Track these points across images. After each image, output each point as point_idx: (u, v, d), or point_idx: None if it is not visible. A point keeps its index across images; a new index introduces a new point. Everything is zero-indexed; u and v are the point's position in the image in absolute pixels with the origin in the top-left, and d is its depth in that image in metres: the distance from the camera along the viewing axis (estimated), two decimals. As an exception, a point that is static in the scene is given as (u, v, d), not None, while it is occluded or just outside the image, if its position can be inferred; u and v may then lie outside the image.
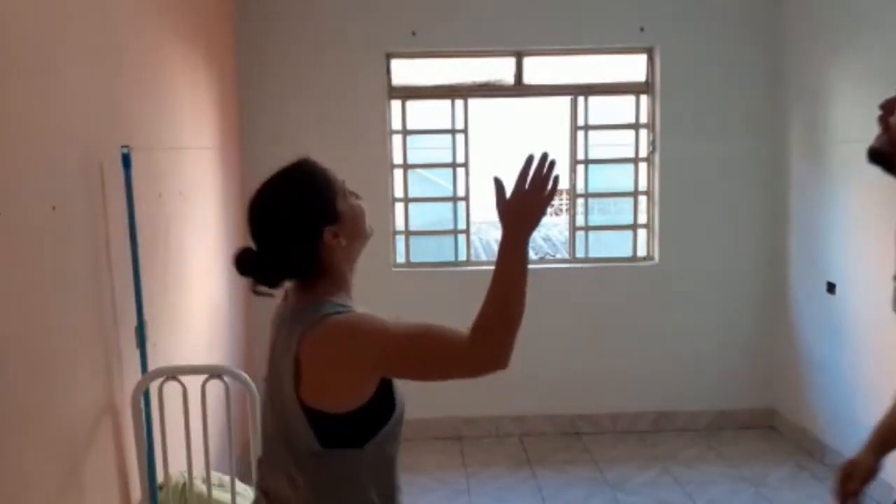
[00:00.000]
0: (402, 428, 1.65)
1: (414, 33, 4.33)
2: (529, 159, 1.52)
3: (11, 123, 1.80)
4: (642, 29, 4.39)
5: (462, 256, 4.60)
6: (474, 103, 4.55)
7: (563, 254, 4.95)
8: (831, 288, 3.99)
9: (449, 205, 4.62)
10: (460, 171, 4.55)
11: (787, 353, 4.48)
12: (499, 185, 1.51)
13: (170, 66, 3.08)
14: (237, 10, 4.25)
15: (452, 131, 4.54)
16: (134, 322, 2.46)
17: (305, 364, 1.48)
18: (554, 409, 4.49)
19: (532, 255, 4.60)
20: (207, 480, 2.52)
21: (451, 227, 4.63)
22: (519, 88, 4.53)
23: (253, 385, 2.45)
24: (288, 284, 1.63)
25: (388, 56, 4.43)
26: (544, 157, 1.51)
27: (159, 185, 2.85)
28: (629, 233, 4.64)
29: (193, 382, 2.44)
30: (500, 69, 4.53)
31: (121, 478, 2.36)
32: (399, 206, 4.58)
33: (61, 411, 2.01)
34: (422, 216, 4.72)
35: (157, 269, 2.74)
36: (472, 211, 4.63)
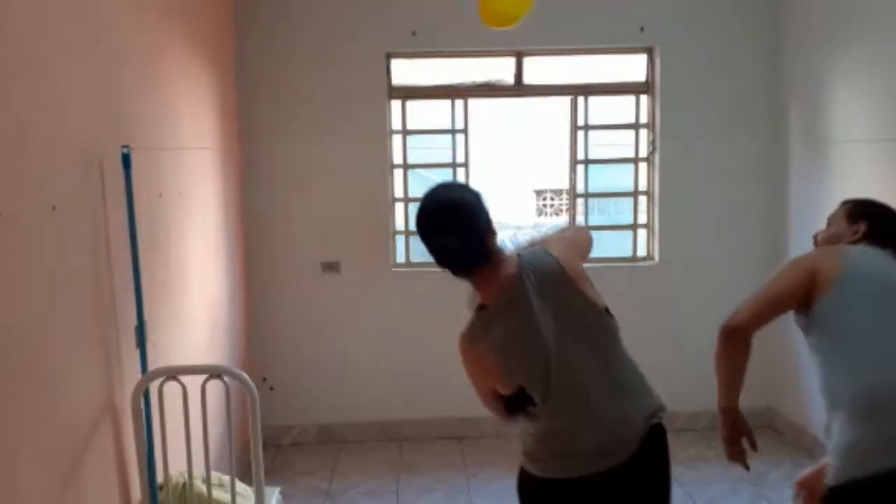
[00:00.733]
0: None
1: (414, 33, 4.33)
2: None
3: (11, 123, 1.80)
4: (642, 29, 4.39)
5: (462, 256, 4.60)
6: (474, 103, 4.55)
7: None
8: (831, 288, 3.99)
9: (449, 205, 4.61)
10: (460, 171, 4.55)
11: (786, 353, 4.47)
12: None
13: (170, 66, 3.08)
14: (237, 11, 4.25)
15: (452, 131, 4.54)
16: (134, 322, 2.46)
17: (570, 273, 1.94)
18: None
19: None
20: (207, 480, 2.52)
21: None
22: (519, 88, 4.53)
23: (253, 385, 2.45)
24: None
25: (388, 56, 4.42)
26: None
27: (159, 185, 2.85)
28: (629, 233, 4.64)
29: (193, 382, 2.44)
30: (500, 69, 4.53)
31: (120, 478, 2.36)
32: (399, 206, 4.58)
33: (61, 411, 2.01)
34: (422, 216, 4.71)
35: (157, 269, 2.74)
36: (472, 211, 4.63)
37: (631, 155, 4.60)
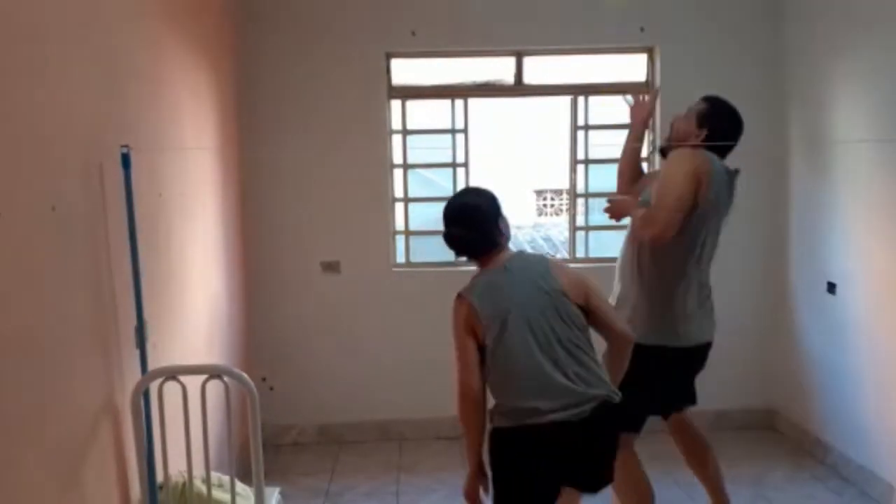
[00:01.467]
0: None
1: (414, 33, 4.33)
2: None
3: (11, 123, 1.80)
4: (642, 29, 4.39)
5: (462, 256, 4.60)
6: (474, 103, 4.55)
7: (563, 254, 4.95)
8: (831, 288, 3.99)
9: (449, 205, 4.61)
10: (460, 171, 4.55)
11: (787, 353, 4.47)
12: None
13: (170, 66, 3.08)
14: (237, 11, 4.25)
15: (452, 131, 4.54)
16: (134, 322, 2.46)
17: (561, 275, 2.44)
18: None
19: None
20: (207, 480, 2.52)
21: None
22: (519, 88, 4.53)
23: (252, 385, 2.45)
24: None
25: (388, 56, 4.43)
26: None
27: (159, 185, 2.85)
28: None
29: (193, 382, 2.44)
30: (500, 69, 4.53)
31: (120, 478, 2.36)
32: (399, 206, 4.58)
33: (61, 411, 2.01)
34: (422, 216, 4.71)
35: (157, 269, 2.74)
36: (472, 211, 4.63)
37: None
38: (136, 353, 2.48)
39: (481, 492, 2.43)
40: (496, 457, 2.37)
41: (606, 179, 4.52)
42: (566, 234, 4.83)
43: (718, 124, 3.11)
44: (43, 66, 1.97)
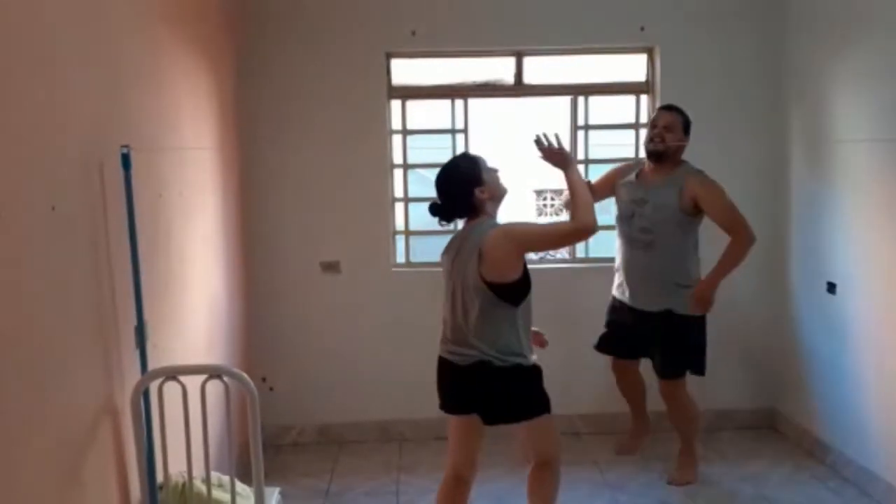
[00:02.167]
0: (531, 299, 2.87)
1: (414, 33, 4.33)
2: (538, 143, 3.12)
3: (11, 123, 1.80)
4: (642, 29, 4.39)
5: (462, 256, 4.60)
6: (474, 103, 4.55)
7: (563, 254, 4.94)
8: (831, 288, 3.99)
9: (449, 205, 4.61)
10: (460, 171, 4.54)
11: (787, 353, 4.47)
12: (538, 143, 3.11)
13: (170, 66, 3.08)
14: (237, 11, 4.25)
15: (452, 131, 4.54)
16: (134, 322, 2.46)
17: (487, 253, 2.74)
18: (554, 409, 4.48)
19: (532, 255, 4.61)
20: (207, 480, 2.52)
21: (451, 227, 4.62)
22: (519, 88, 4.53)
23: (252, 385, 2.45)
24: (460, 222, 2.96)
25: (388, 56, 4.43)
26: (540, 140, 3.11)
27: (159, 185, 2.85)
28: (629, 233, 4.64)
29: (193, 382, 2.44)
30: (500, 69, 4.53)
31: (120, 478, 2.36)
32: (399, 206, 4.58)
33: (61, 411, 2.01)
34: (422, 216, 4.70)
35: (157, 269, 2.74)
36: (472, 211, 4.62)
37: (631, 155, 4.60)
38: (136, 353, 2.48)
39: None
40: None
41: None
42: (566, 234, 4.82)
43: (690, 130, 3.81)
44: (43, 67, 1.97)
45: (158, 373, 2.41)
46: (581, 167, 4.61)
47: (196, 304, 3.32)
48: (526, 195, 14.31)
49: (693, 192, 3.66)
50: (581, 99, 4.54)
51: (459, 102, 4.51)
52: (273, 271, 4.44)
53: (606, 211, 5.16)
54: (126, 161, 2.38)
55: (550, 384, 3.05)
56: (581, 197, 2.84)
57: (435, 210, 2.91)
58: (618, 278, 3.97)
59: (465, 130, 4.52)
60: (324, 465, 4.23)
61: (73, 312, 2.10)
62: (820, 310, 4.12)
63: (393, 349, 4.51)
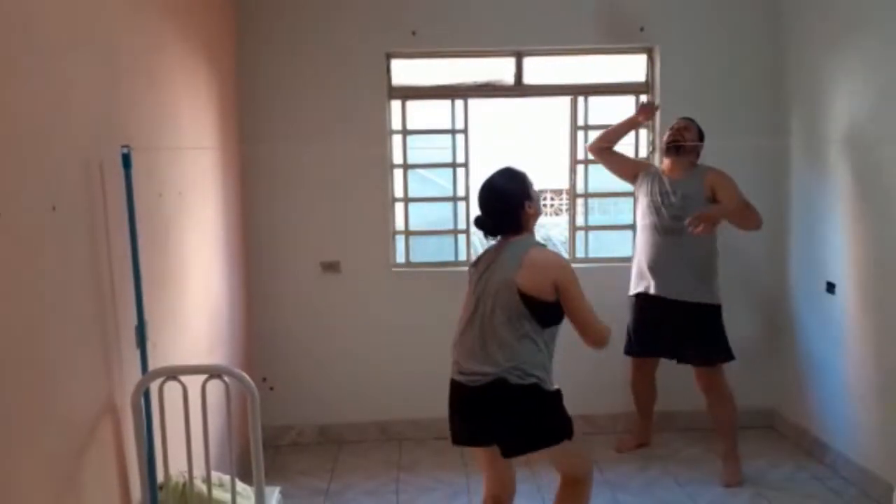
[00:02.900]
0: (558, 331, 2.80)
1: (414, 33, 4.33)
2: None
3: (11, 123, 1.80)
4: (642, 29, 4.39)
5: (462, 256, 4.60)
6: (474, 103, 4.55)
7: (563, 254, 4.94)
8: (831, 288, 3.99)
9: (449, 205, 4.62)
10: (460, 171, 4.55)
11: (787, 353, 4.47)
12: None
13: (170, 66, 3.08)
14: (238, 11, 4.25)
15: (452, 131, 4.54)
16: (134, 322, 2.46)
17: (532, 265, 2.69)
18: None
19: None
20: (207, 480, 2.52)
21: (451, 227, 4.63)
22: (519, 88, 4.53)
23: (253, 385, 2.45)
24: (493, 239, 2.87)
25: (388, 56, 4.43)
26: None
27: (159, 185, 2.85)
28: (629, 233, 4.64)
29: (193, 382, 2.44)
30: (500, 69, 4.53)
31: (121, 478, 2.36)
32: (399, 206, 4.58)
33: (61, 411, 2.01)
34: (422, 216, 4.71)
35: (157, 269, 2.74)
36: (472, 211, 4.63)
37: (631, 155, 4.60)
38: (137, 352, 2.48)
39: None
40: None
41: (606, 179, 4.53)
42: (566, 234, 4.83)
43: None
44: (44, 67, 1.97)
45: (159, 373, 2.41)
46: (581, 167, 4.62)
47: (196, 304, 3.32)
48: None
49: (712, 181, 3.87)
50: (581, 99, 4.54)
51: (459, 103, 4.51)
52: (273, 271, 4.45)
53: (605, 211, 5.19)
54: (126, 161, 2.38)
55: (550, 384, 3.04)
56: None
57: (482, 224, 2.81)
58: (638, 272, 4.08)
59: (465, 131, 4.52)
60: (324, 465, 4.24)
61: (74, 312, 2.10)
62: (819, 310, 4.12)
63: (393, 349, 4.51)
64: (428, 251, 4.71)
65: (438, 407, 4.47)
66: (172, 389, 2.40)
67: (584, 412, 4.55)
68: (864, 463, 3.77)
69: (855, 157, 3.79)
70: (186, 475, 2.49)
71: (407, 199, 4.57)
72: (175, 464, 2.47)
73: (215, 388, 2.46)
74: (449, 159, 4.56)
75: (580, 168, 4.60)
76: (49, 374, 1.94)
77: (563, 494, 2.88)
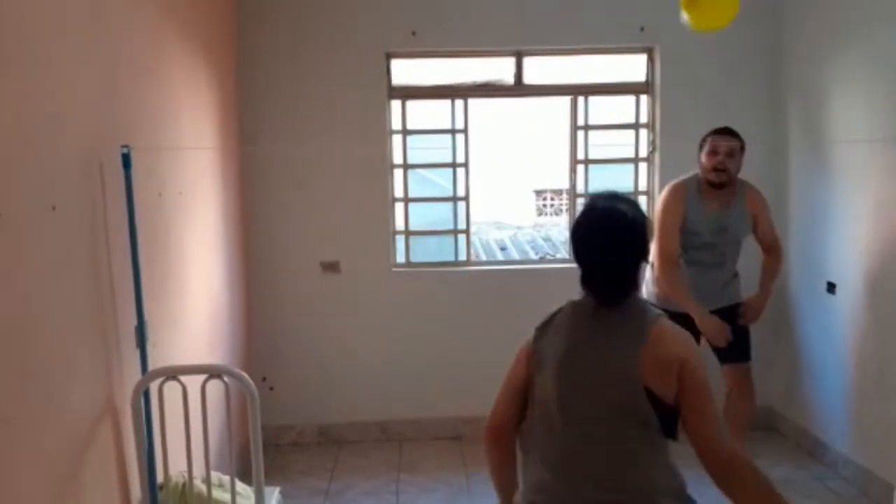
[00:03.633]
0: None
1: (414, 33, 4.33)
2: None
3: (11, 123, 1.80)
4: (642, 29, 4.39)
5: (462, 256, 4.60)
6: (474, 103, 4.55)
7: (563, 254, 4.95)
8: (831, 288, 3.99)
9: (449, 205, 4.62)
10: (460, 171, 4.55)
11: (787, 353, 4.47)
12: None
13: (170, 65, 3.08)
14: (237, 10, 4.25)
15: (452, 131, 4.54)
16: (134, 322, 2.46)
17: (659, 350, 1.83)
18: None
19: (532, 254, 4.60)
20: (207, 480, 2.52)
21: (451, 227, 4.63)
22: (519, 88, 4.53)
23: (253, 385, 2.45)
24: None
25: (388, 56, 4.43)
26: None
27: (159, 185, 2.85)
28: (629, 233, 4.64)
29: (193, 382, 2.44)
30: (500, 69, 4.53)
31: (120, 478, 2.36)
32: (399, 206, 4.58)
33: (61, 411, 2.01)
34: (422, 216, 4.72)
35: (157, 269, 2.74)
36: (472, 211, 4.63)
37: (631, 155, 4.61)
38: (136, 352, 2.48)
39: None
40: None
41: (606, 179, 4.53)
42: (566, 234, 4.83)
43: None
44: (43, 66, 1.97)
45: (159, 373, 2.41)
46: (581, 167, 4.62)
47: (196, 304, 3.32)
48: (526, 195, 14.32)
49: (754, 208, 3.72)
50: (581, 99, 4.54)
51: (459, 102, 4.51)
52: (273, 271, 4.45)
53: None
54: (126, 161, 2.38)
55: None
56: None
57: (603, 287, 1.93)
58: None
59: (465, 131, 4.52)
60: (324, 465, 4.23)
61: (73, 312, 2.11)
62: (820, 310, 4.12)
63: (393, 349, 4.51)
64: (428, 251, 4.71)
65: (438, 407, 4.50)
66: (172, 389, 2.40)
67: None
68: (864, 463, 3.77)
69: (855, 157, 3.79)
70: (186, 475, 2.49)
71: (407, 199, 4.57)
72: (175, 464, 2.47)
73: (215, 387, 2.47)
74: (449, 159, 4.56)
75: (580, 168, 4.60)
76: (49, 374, 1.94)
77: None
